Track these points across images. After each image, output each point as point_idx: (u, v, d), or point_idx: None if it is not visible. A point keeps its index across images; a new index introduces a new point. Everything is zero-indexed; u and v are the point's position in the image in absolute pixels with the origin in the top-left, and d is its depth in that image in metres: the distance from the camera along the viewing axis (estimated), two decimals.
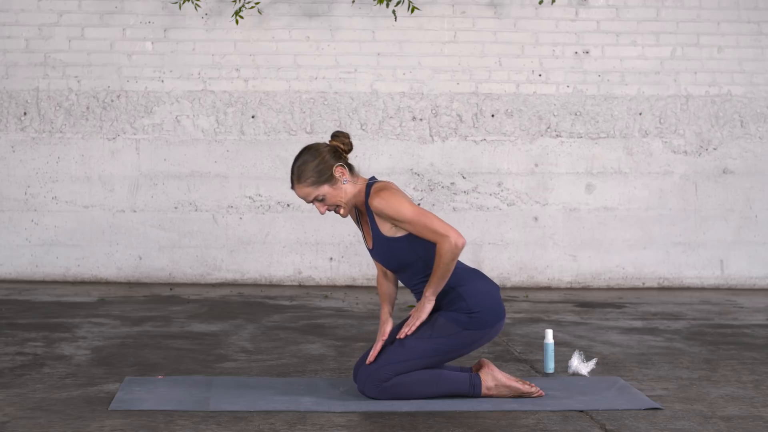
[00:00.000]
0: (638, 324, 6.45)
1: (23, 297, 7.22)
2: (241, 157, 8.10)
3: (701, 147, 8.29)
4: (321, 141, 4.40)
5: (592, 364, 4.93)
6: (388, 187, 4.30)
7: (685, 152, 8.28)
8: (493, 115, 8.20)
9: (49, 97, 8.04)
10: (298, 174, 4.32)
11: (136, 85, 8.07)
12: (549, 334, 4.93)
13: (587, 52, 8.26)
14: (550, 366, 4.93)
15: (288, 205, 8.10)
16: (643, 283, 8.26)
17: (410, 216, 4.24)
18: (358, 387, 4.35)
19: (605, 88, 8.26)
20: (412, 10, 7.97)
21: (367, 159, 8.12)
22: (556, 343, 5.47)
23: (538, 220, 8.22)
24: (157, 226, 8.07)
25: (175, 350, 5.39)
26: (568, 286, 8.23)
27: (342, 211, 4.37)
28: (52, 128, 8.05)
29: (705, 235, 8.29)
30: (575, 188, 8.23)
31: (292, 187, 4.35)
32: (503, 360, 5.24)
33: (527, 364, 5.17)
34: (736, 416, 4.18)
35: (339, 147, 4.37)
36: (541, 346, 5.57)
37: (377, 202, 4.25)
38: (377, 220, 4.31)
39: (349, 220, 8.12)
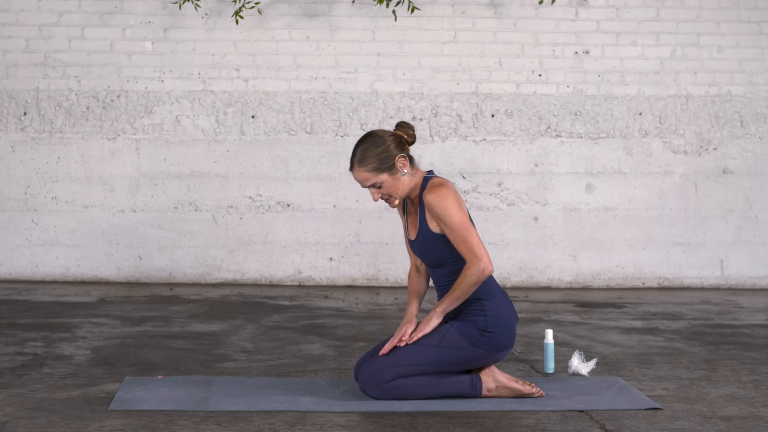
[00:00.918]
0: (638, 324, 6.45)
1: (23, 297, 7.22)
2: (241, 157, 8.10)
3: (701, 147, 8.29)
4: (383, 129, 4.42)
5: (592, 364, 4.93)
6: (445, 185, 4.32)
7: (685, 152, 8.28)
8: (493, 115, 8.20)
9: (49, 97, 8.04)
10: (361, 158, 4.33)
11: (136, 85, 8.07)
12: (549, 334, 4.93)
13: (587, 52, 8.26)
14: (550, 366, 4.93)
15: (288, 205, 8.10)
16: (643, 283, 8.26)
17: (455, 223, 4.25)
18: (359, 386, 4.35)
19: (605, 88, 8.26)
20: (412, 10, 7.97)
21: None
22: (556, 343, 5.47)
23: (538, 220, 8.22)
24: (157, 226, 8.07)
25: (175, 350, 5.39)
26: (568, 286, 8.23)
27: (396, 201, 4.39)
28: (52, 128, 8.05)
29: (705, 235, 8.29)
30: (575, 188, 8.23)
31: (351, 169, 4.35)
32: (503, 360, 5.23)
33: (527, 364, 5.17)
34: (736, 416, 4.18)
35: (403, 137, 4.39)
36: (541, 346, 5.57)
37: (431, 198, 4.27)
38: (427, 214, 4.33)
39: (350, 220, 8.12)
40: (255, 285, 8.05)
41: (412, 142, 4.41)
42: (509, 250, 8.20)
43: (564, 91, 8.23)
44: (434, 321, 4.31)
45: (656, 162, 8.26)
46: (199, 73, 8.09)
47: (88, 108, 8.05)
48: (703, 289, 8.25)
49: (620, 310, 7.07)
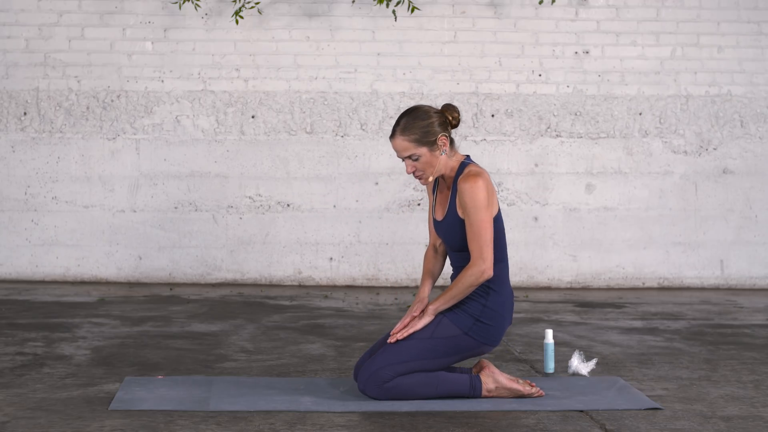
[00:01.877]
0: (638, 324, 6.45)
1: (23, 297, 7.22)
2: (241, 157, 8.10)
3: (701, 147, 8.29)
4: (429, 105, 4.43)
5: (592, 364, 4.93)
6: (483, 176, 4.31)
7: (685, 152, 8.28)
8: (493, 115, 8.20)
9: (49, 97, 8.04)
10: (404, 126, 4.34)
11: (136, 85, 8.07)
12: (549, 334, 4.93)
13: (587, 52, 8.26)
14: (550, 366, 4.93)
15: (288, 205, 8.10)
16: (643, 283, 8.26)
17: (477, 218, 4.26)
18: (359, 387, 4.35)
19: (605, 88, 8.26)
20: (412, 10, 7.97)
21: (367, 159, 8.12)
22: (556, 343, 5.47)
23: (538, 220, 8.22)
24: (157, 226, 8.07)
25: (175, 350, 5.39)
26: (568, 286, 8.23)
27: (429, 179, 4.39)
28: (52, 128, 8.05)
29: (705, 235, 8.29)
30: (575, 188, 8.23)
31: (392, 137, 4.36)
32: (503, 360, 5.24)
33: (527, 364, 5.17)
34: (736, 416, 4.18)
35: (448, 118, 4.40)
36: (541, 346, 5.57)
37: (465, 187, 4.27)
38: (457, 199, 4.34)
39: (350, 220, 8.12)
40: (255, 285, 8.05)
41: (456, 125, 4.42)
42: (509, 250, 8.16)
43: (564, 91, 8.23)
44: (426, 319, 4.33)
45: (656, 162, 8.26)
46: (199, 73, 8.09)
47: (88, 108, 8.05)
48: (703, 289, 8.25)
49: (620, 310, 7.07)
